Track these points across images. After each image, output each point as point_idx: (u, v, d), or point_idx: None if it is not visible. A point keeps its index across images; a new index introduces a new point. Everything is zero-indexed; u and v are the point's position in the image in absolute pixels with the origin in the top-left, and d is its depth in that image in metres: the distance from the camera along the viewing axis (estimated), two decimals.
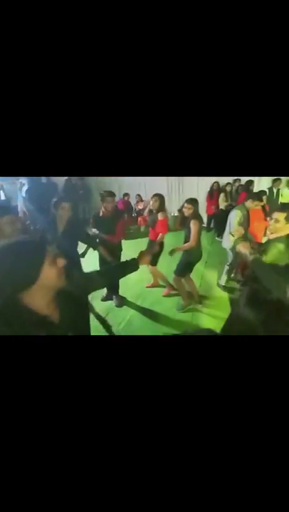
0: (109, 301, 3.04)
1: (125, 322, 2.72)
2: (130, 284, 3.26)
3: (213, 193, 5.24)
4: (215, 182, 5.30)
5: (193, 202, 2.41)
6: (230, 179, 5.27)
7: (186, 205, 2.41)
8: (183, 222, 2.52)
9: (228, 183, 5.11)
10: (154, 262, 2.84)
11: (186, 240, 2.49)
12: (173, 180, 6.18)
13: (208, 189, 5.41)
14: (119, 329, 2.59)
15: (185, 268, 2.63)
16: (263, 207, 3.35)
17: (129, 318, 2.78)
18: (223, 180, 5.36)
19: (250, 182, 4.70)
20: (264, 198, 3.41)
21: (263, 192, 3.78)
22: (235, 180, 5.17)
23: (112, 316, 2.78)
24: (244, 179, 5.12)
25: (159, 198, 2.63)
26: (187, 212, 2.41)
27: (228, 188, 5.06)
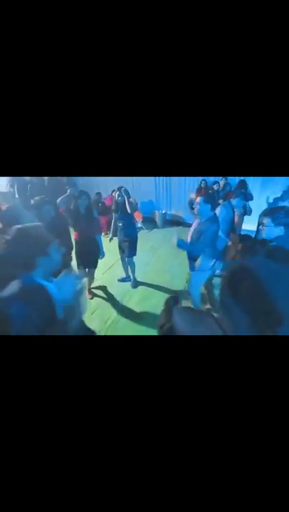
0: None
1: (111, 320, 2.67)
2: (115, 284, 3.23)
3: (201, 192, 5.27)
4: (202, 180, 5.34)
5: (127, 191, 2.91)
6: (217, 178, 5.32)
7: (118, 192, 2.89)
8: (117, 207, 2.95)
9: (216, 182, 5.16)
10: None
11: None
12: (161, 178, 6.17)
13: (196, 186, 5.44)
14: (106, 327, 2.54)
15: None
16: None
17: (114, 317, 2.73)
18: (211, 178, 5.41)
19: (244, 182, 4.72)
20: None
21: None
22: (222, 179, 5.22)
23: (99, 313, 2.72)
24: (230, 179, 5.18)
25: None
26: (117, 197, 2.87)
27: (215, 187, 5.10)
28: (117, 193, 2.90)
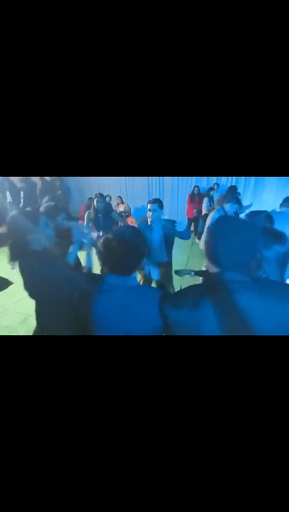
0: None
1: None
2: None
3: (195, 197, 5.30)
4: (195, 186, 5.39)
5: (104, 197, 2.80)
6: (212, 183, 5.37)
7: (97, 199, 2.71)
8: (96, 215, 2.77)
9: (211, 188, 5.20)
10: None
11: None
12: (153, 181, 6.20)
13: (189, 192, 5.48)
14: None
15: None
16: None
17: None
18: (203, 184, 5.48)
19: (234, 187, 4.79)
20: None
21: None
22: (214, 184, 5.29)
23: None
24: (224, 184, 5.26)
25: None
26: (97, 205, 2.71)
27: (211, 193, 5.13)
28: (96, 199, 2.65)
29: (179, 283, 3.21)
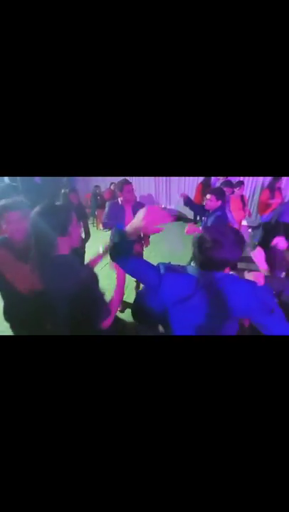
0: None
1: None
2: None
3: (207, 186, 5.17)
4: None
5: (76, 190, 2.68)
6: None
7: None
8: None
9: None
10: None
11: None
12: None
13: (201, 180, 5.36)
14: None
15: None
16: (242, 196, 3.44)
17: None
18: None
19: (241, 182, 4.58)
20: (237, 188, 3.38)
21: (239, 182, 3.64)
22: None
23: None
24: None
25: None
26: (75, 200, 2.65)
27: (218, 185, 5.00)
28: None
29: None
